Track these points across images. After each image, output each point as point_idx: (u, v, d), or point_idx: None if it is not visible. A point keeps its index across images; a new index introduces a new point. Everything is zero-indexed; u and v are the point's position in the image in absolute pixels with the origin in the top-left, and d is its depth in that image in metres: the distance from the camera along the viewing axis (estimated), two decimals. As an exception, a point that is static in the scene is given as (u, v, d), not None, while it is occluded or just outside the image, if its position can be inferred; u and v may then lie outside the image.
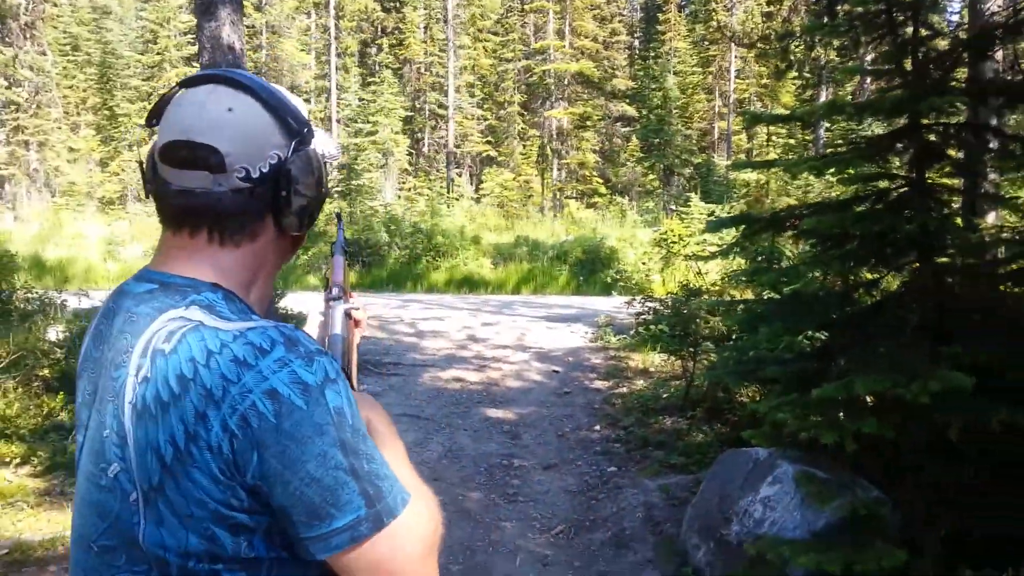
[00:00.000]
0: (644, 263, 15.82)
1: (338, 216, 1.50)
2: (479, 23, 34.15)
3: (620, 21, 36.08)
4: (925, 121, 3.86)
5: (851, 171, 4.11)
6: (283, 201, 0.99)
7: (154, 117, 1.05)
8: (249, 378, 0.87)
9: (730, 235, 11.40)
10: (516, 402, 6.73)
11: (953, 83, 4.15)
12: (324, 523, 0.88)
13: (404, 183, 28.45)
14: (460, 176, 31.02)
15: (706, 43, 31.23)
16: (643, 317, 8.59)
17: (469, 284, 16.34)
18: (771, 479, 3.55)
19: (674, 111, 27.79)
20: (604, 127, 31.20)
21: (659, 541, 4.26)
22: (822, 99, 29.64)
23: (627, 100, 31.03)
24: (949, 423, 3.03)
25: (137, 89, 31.17)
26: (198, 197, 0.96)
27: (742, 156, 29.15)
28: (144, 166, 1.04)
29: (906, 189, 3.87)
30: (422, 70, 33.86)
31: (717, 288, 8.57)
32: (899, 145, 3.98)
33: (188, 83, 1.02)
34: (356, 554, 0.89)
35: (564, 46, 29.96)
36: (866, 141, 4.06)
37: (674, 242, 14.85)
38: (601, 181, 29.42)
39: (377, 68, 34.38)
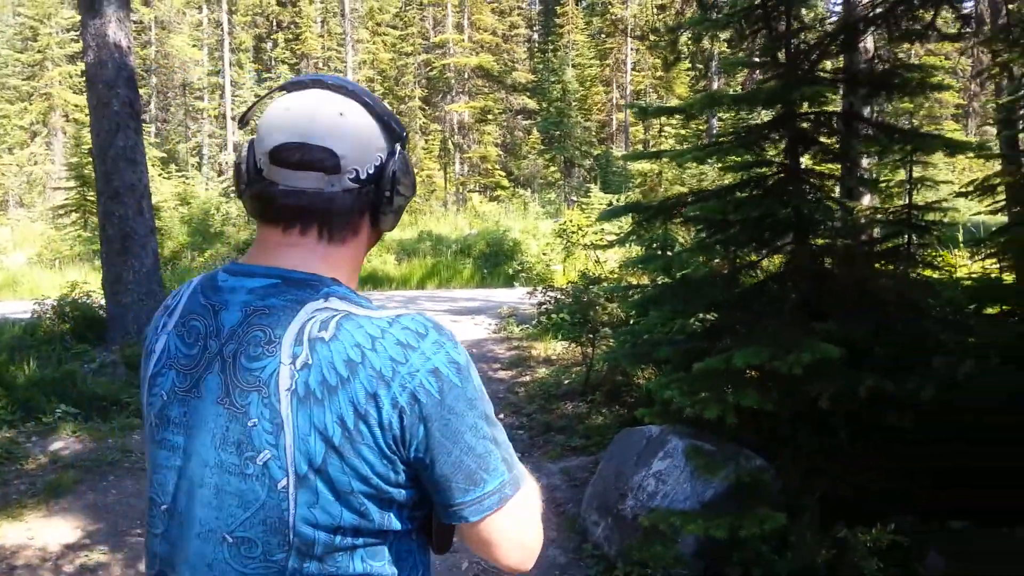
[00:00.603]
0: (546, 254, 16.05)
1: None
2: (377, 17, 33.78)
3: (519, 14, 36.30)
4: (799, 110, 4.08)
5: (735, 159, 4.31)
6: (385, 200, 1.05)
7: (246, 120, 1.13)
8: (415, 359, 0.95)
9: (628, 224, 11.66)
10: (421, 395, 6.74)
11: (825, 73, 4.40)
12: (478, 487, 0.99)
13: (304, 180, 27.84)
14: (362, 171, 30.65)
15: (603, 36, 31.80)
16: (545, 306, 8.73)
17: (373, 281, 16.20)
18: (662, 454, 3.70)
19: (573, 103, 28.21)
20: (505, 120, 31.38)
21: (561, 521, 4.37)
22: (714, 90, 30.65)
23: (527, 93, 31.30)
24: (821, 393, 3.23)
25: (17, 89, 29.55)
26: (311, 197, 1.00)
27: (639, 147, 29.83)
28: (241, 168, 1.06)
29: (782, 175, 4.08)
30: (320, 65, 33.28)
31: (615, 276, 8.80)
32: (775, 134, 4.20)
33: (290, 87, 1.06)
34: (500, 514, 1.01)
35: (463, 40, 29.97)
36: (745, 130, 4.26)
37: (574, 232, 15.07)
38: (503, 174, 29.62)
39: (273, 63, 33.63)
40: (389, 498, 0.98)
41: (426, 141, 31.06)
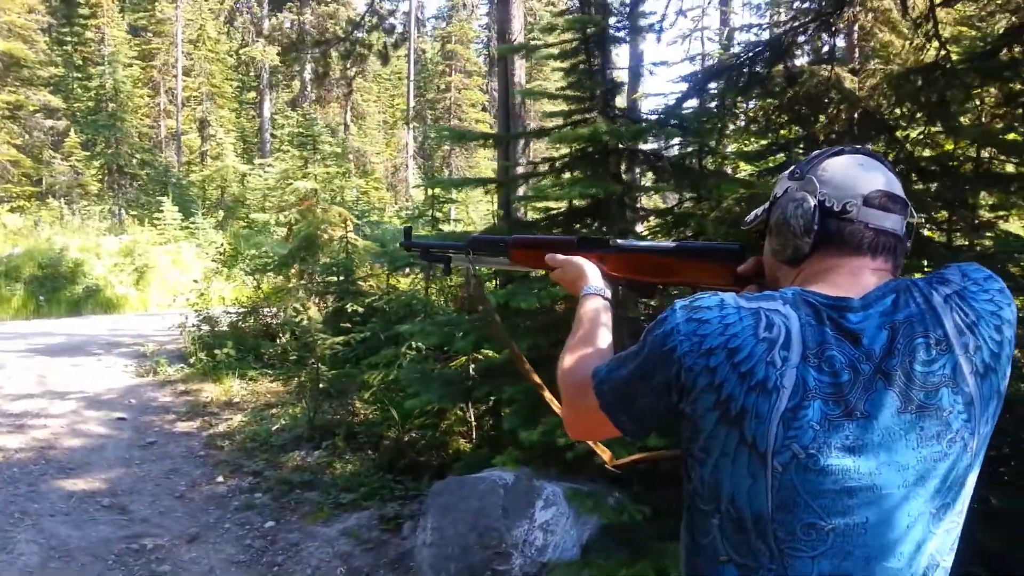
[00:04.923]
0: (117, 276, 14.16)
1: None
2: None
3: (31, -3, 30.98)
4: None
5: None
6: (906, 249, 1.24)
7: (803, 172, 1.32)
8: (1004, 290, 1.19)
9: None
10: (93, 465, 5.39)
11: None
12: None
13: None
14: None
15: (149, 35, 28.93)
16: (204, 340, 7.68)
17: None
18: (542, 503, 3.49)
19: (119, 106, 25.34)
20: (25, 118, 26.59)
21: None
22: (267, 103, 30.02)
23: (49, 88, 26.92)
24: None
25: None
26: (890, 236, 1.19)
27: (197, 157, 27.92)
28: (812, 208, 1.21)
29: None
30: None
31: (280, 300, 8.05)
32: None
33: (840, 152, 1.26)
34: None
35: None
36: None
37: (233, 255, 12.91)
38: (28, 180, 25.14)
39: None
40: None
41: (-86, 137, 24.99)
